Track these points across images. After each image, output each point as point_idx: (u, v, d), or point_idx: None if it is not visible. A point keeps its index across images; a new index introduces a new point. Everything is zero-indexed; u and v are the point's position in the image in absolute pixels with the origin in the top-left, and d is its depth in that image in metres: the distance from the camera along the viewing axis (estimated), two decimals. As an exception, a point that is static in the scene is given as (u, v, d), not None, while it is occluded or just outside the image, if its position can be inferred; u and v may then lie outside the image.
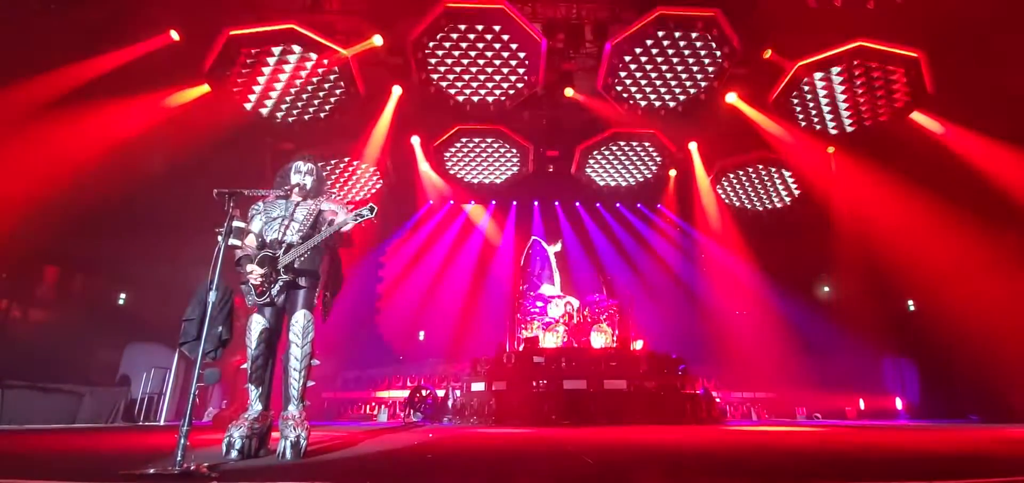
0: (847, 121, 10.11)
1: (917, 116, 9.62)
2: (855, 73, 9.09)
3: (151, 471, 2.28)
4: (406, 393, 10.11)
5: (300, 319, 3.32)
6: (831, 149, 11.27)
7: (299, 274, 3.36)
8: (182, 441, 2.42)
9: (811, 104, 9.89)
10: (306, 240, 3.35)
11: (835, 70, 9.12)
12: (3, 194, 5.84)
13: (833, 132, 10.40)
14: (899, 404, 11.57)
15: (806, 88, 9.54)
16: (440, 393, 9.51)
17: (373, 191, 12.52)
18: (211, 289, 2.77)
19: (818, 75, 9.25)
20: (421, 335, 13.00)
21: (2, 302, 7.21)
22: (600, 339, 9.96)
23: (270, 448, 3.25)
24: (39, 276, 4.60)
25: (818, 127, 10.33)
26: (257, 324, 3.28)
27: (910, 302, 12.09)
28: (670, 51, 9.01)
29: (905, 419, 11.02)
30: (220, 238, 2.83)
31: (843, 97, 9.58)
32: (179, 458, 2.37)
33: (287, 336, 3.35)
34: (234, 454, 2.94)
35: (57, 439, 4.29)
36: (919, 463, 3.03)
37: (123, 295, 9.23)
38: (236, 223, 2.97)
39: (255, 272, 3.19)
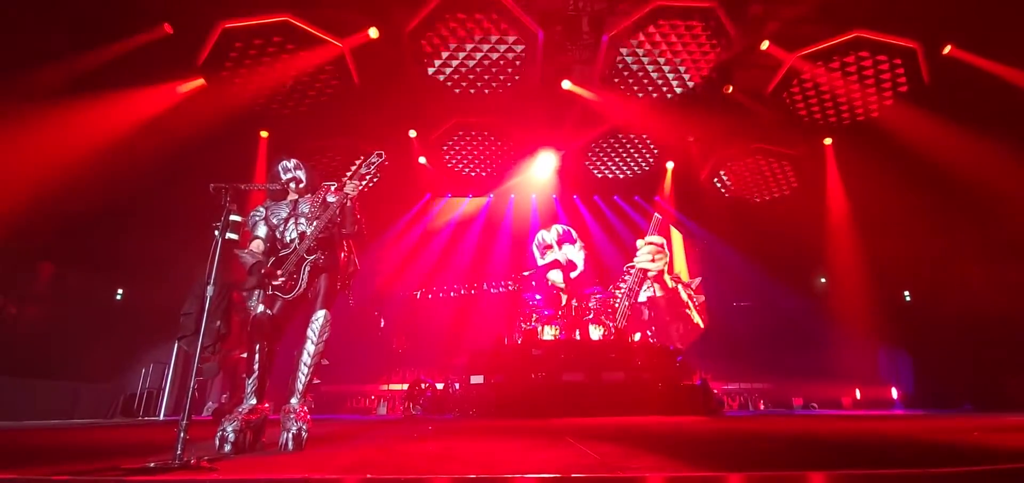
0: (844, 112, 10.13)
1: (914, 107, 9.64)
2: (852, 64, 9.10)
3: (151, 465, 2.28)
4: (405, 386, 10.13)
5: (320, 318, 3.41)
6: (828, 140, 11.30)
7: (321, 270, 3.47)
8: (181, 435, 2.42)
9: (808, 95, 9.90)
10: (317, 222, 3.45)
11: (832, 61, 9.13)
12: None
13: (831, 123, 10.42)
14: (895, 394, 11.66)
15: (803, 79, 9.55)
16: (439, 386, 9.53)
17: (372, 183, 12.50)
18: (209, 284, 2.77)
19: (815, 66, 9.26)
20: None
21: (-3, 298, 7.18)
22: (598, 331, 9.99)
23: (265, 442, 3.26)
24: (35, 272, 4.58)
25: (816, 118, 10.35)
26: (262, 318, 3.31)
27: (906, 293, 12.16)
28: (668, 43, 9.00)
29: (901, 408, 11.11)
30: (217, 233, 2.84)
31: (840, 88, 9.60)
32: (179, 452, 2.37)
33: (298, 331, 3.42)
34: (227, 447, 2.95)
35: (57, 434, 4.29)
36: (914, 450, 3.06)
37: (120, 291, 9.21)
38: (233, 217, 2.97)
39: (280, 273, 3.32)
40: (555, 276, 11.07)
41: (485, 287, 13.54)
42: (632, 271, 10.69)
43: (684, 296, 10.77)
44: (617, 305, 10.38)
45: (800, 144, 11.30)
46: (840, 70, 9.24)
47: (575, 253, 11.21)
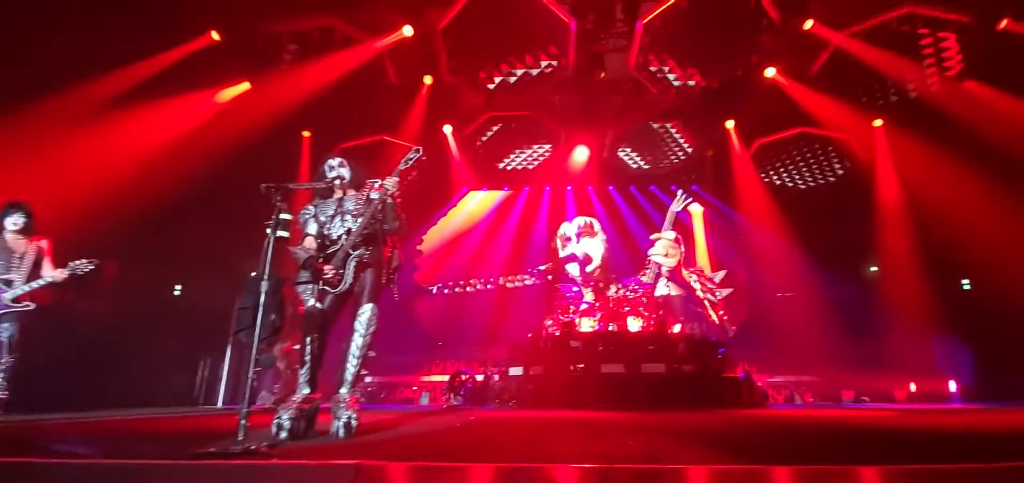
0: (895, 92, 9.64)
1: (970, 84, 9.08)
2: (903, 41, 8.65)
3: (212, 450, 2.43)
4: (446, 377, 10.31)
5: (367, 311, 3.53)
6: (878, 122, 10.78)
7: (366, 265, 3.60)
8: (243, 422, 2.57)
9: (856, 75, 9.47)
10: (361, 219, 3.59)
11: (881, 38, 8.70)
12: (69, 195, 6.25)
13: (880, 104, 9.94)
14: (952, 387, 11.08)
15: (851, 59, 9.14)
16: (479, 377, 9.67)
17: (408, 180, 12.74)
18: (263, 279, 2.92)
19: (863, 44, 8.85)
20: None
21: (68, 294, 7.70)
22: (637, 323, 9.88)
23: (317, 429, 3.41)
24: (101, 269, 4.94)
25: (864, 99, 9.90)
26: (313, 311, 3.46)
27: (965, 281, 11.52)
28: (705, 27, 8.78)
29: (958, 402, 10.57)
30: (269, 230, 2.98)
31: (890, 67, 9.13)
32: (241, 438, 2.52)
33: (348, 324, 3.55)
34: (284, 435, 3.10)
35: (125, 423, 4.59)
36: (972, 444, 2.93)
37: (179, 286, 9.72)
38: (283, 215, 3.10)
39: (327, 269, 3.44)
40: (572, 269, 10.98)
41: (501, 282, 13.63)
42: (650, 264, 10.49)
43: (701, 293, 10.47)
44: (644, 296, 10.11)
45: (848, 126, 10.82)
46: (890, 47, 8.79)
47: (594, 246, 11.03)
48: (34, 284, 4.64)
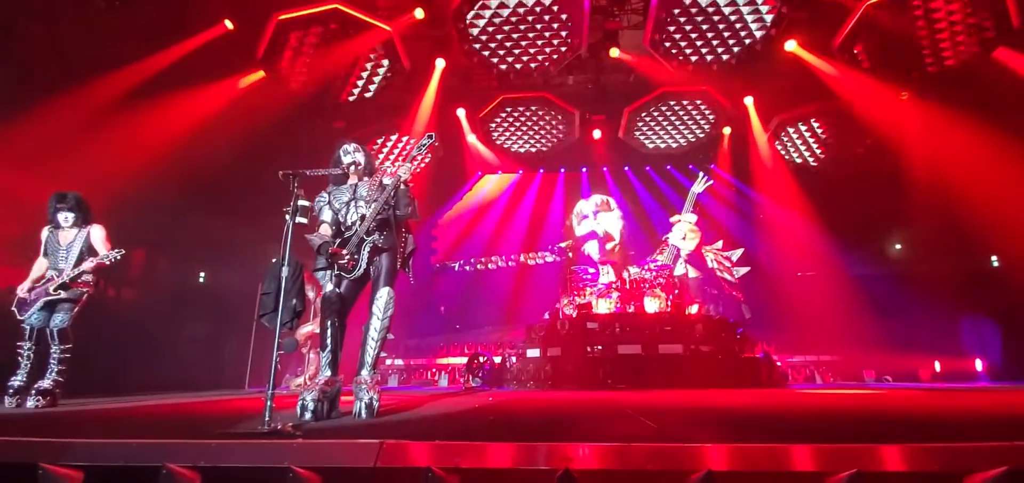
0: (922, 63, 9.30)
1: (1001, 54, 8.72)
2: (931, 9, 8.33)
3: (240, 430, 2.50)
4: (465, 359, 10.42)
5: (383, 295, 3.59)
6: (904, 95, 10.44)
7: (380, 250, 3.64)
8: (269, 403, 2.64)
9: (881, 46, 9.15)
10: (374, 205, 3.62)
11: (908, 7, 8.38)
12: (95, 185, 6.39)
13: (907, 76, 9.60)
14: (979, 366, 10.85)
15: (875, 29, 8.83)
16: (497, 359, 9.75)
17: (423, 164, 12.78)
18: (284, 265, 2.97)
19: (889, 14, 8.54)
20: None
21: (99, 282, 7.92)
22: (654, 304, 9.85)
23: (341, 410, 3.49)
24: (129, 258, 5.05)
25: (889, 71, 9.57)
26: (331, 296, 3.52)
27: (994, 258, 11.20)
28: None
29: (986, 381, 10.35)
30: (288, 217, 3.02)
31: (917, 37, 8.81)
32: (267, 418, 2.59)
33: (367, 308, 3.60)
34: (308, 416, 3.18)
35: (155, 407, 4.74)
36: (998, 423, 2.88)
37: (202, 273, 9.93)
38: (301, 202, 3.14)
39: (343, 254, 3.49)
40: (591, 247, 10.91)
41: (521, 258, 13.65)
42: (668, 246, 10.42)
43: (719, 274, 10.40)
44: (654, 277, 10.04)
45: (871, 100, 10.51)
46: (917, 16, 8.47)
47: (612, 223, 10.94)
48: (70, 276, 4.74)
